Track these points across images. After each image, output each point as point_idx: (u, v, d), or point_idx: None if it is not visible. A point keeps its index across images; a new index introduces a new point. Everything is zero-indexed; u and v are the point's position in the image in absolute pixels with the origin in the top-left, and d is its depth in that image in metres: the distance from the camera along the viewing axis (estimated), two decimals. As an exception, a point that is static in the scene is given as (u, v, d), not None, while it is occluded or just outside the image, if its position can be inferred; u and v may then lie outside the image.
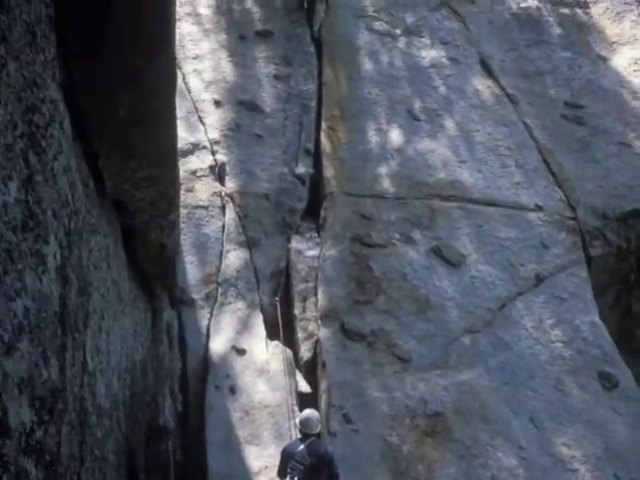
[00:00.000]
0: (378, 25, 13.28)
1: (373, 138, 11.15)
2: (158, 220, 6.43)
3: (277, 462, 6.66)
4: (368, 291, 9.12)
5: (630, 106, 12.10)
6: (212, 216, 9.82)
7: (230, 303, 8.99)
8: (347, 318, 8.79)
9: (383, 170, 10.67)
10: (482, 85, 12.33)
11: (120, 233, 5.96)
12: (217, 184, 10.22)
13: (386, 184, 10.48)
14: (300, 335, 8.81)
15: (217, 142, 10.74)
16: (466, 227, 10.04)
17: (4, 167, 2.23)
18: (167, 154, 5.42)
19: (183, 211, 8.84)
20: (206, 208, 9.86)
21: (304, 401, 8.07)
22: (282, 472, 6.56)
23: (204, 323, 8.75)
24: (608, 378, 8.57)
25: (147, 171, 5.18)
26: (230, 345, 8.52)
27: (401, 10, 13.65)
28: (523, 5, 14.08)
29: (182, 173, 8.47)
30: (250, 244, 9.66)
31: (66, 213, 2.98)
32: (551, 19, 13.83)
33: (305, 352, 8.67)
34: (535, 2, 14.16)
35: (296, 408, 7.92)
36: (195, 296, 8.95)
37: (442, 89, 12.15)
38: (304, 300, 9.06)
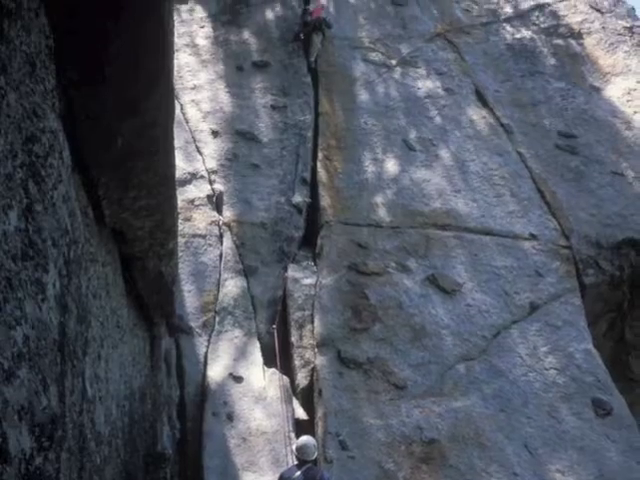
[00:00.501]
0: (374, 56, 13.73)
1: (369, 168, 11.52)
2: (156, 249, 6.52)
3: (274, 488, 6.91)
4: (364, 319, 9.41)
5: (623, 136, 12.50)
6: (210, 245, 10.13)
7: (227, 331, 9.27)
8: (343, 346, 9.07)
9: (379, 199, 11.02)
10: (477, 115, 12.74)
11: (119, 262, 6.07)
12: (215, 213, 10.55)
13: (382, 213, 10.82)
14: (297, 363, 9.06)
15: (215, 172, 11.09)
16: (461, 256, 10.36)
17: (4, 196, 2.28)
18: (165, 184, 5.47)
19: (181, 240, 9.12)
20: (204, 237, 10.18)
21: (301, 428, 8.31)
22: (279, 498, 6.80)
23: (202, 351, 9.01)
24: (602, 405, 8.83)
25: (146, 200, 5.24)
26: (227, 372, 8.77)
27: (397, 41, 14.11)
28: (517, 36, 14.57)
29: (180, 202, 8.69)
30: (247, 272, 9.96)
31: (65, 242, 3.03)
32: (545, 50, 14.29)
33: (302, 379, 8.92)
34: (529, 33, 14.65)
35: (293, 435, 8.16)
36: (193, 324, 9.23)
37: (437, 119, 12.55)
38: (301, 328, 9.34)
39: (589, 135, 12.50)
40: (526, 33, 14.64)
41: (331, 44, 13.82)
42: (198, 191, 10.70)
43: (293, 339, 9.29)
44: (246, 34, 13.80)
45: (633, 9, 15.70)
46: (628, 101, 13.18)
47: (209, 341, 9.13)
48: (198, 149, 11.39)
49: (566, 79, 13.66)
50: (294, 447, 7.16)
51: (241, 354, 9.04)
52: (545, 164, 11.90)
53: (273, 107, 12.36)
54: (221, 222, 10.46)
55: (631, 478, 8.20)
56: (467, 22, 14.87)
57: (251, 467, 7.93)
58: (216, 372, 8.78)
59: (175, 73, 9.27)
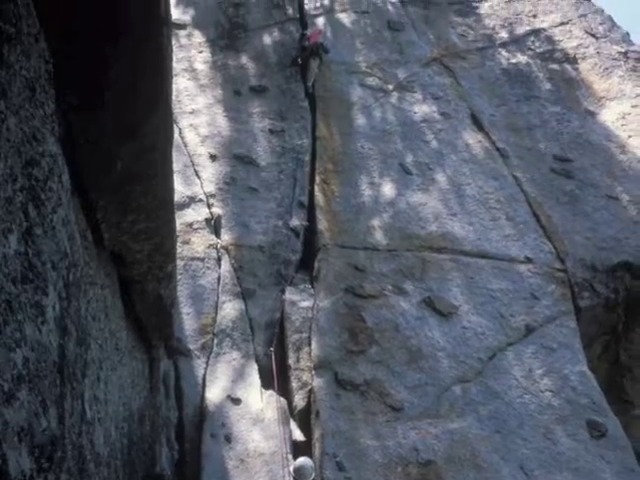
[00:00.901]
0: (371, 81, 14.11)
1: (366, 191, 11.84)
2: (155, 272, 6.58)
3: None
4: (361, 341, 9.66)
5: (618, 160, 12.85)
6: (208, 268, 10.39)
7: (225, 353, 9.50)
8: (340, 368, 9.31)
9: (376, 223, 11.32)
10: (473, 139, 13.09)
11: (118, 285, 6.13)
12: (213, 236, 10.82)
13: (379, 236, 11.12)
14: (294, 384, 9.28)
15: (213, 195, 11.39)
16: (457, 279, 10.65)
17: (4, 220, 2.32)
18: (164, 207, 5.49)
19: (180, 263, 9.37)
20: (202, 260, 10.45)
21: (298, 449, 8.50)
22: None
23: (200, 373, 9.23)
24: (596, 427, 9.07)
25: (145, 224, 5.28)
26: (225, 394, 8.99)
27: (393, 66, 14.51)
28: (513, 61, 14.98)
29: (179, 226, 8.99)
30: (245, 295, 10.22)
31: (65, 265, 3.06)
32: (541, 75, 14.71)
33: (299, 401, 9.14)
34: (525, 58, 15.07)
35: (290, 456, 8.32)
36: (191, 346, 9.45)
37: (434, 143, 12.90)
38: (298, 350, 9.58)
39: (584, 159, 12.85)
40: (522, 58, 15.06)
41: (328, 69, 14.21)
42: (196, 214, 10.99)
43: (290, 361, 9.52)
44: (244, 59, 14.19)
45: (628, 34, 16.16)
46: (622, 125, 13.56)
47: (207, 363, 9.34)
48: (196, 173, 11.70)
49: (561, 103, 14.05)
50: (292, 468, 7.37)
51: (239, 376, 9.26)
52: (540, 188, 12.23)
53: (271, 131, 12.70)
54: (219, 245, 10.72)
55: (626, 499, 8.44)
56: (463, 47, 15.29)
57: (249, 488, 8.14)
58: (214, 394, 8.99)
59: (174, 97, 9.57)
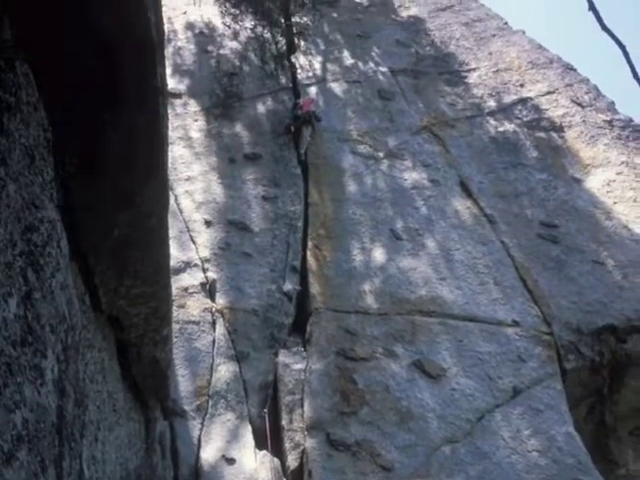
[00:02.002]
0: (362, 148, 15.00)
1: (357, 256, 12.59)
2: (151, 335, 6.80)
3: None
4: (352, 403, 10.26)
5: (603, 226, 13.66)
6: (203, 331, 11.06)
7: (220, 414, 10.08)
8: (332, 429, 9.88)
9: (367, 287, 12.03)
10: (462, 206, 13.93)
11: (115, 347, 6.33)
12: (208, 300, 11.49)
13: (370, 300, 11.83)
14: (287, 445, 9.81)
15: (208, 260, 12.10)
16: (446, 342, 11.33)
17: (4, 284, 2.41)
18: (160, 272, 5.64)
19: (175, 326, 9.92)
20: (197, 323, 11.11)
21: (291, 508, 9.10)
22: None
23: (195, 433, 9.78)
24: (582, 486, 9.68)
25: (141, 288, 5.43)
26: (220, 454, 9.52)
27: (384, 134, 15.44)
28: (501, 129, 15.95)
29: (174, 290, 9.51)
30: (239, 358, 10.85)
31: (63, 328, 3.13)
32: (528, 142, 15.63)
33: (292, 461, 9.65)
34: (512, 126, 16.02)
35: (283, 515, 8.94)
36: (187, 407, 10.02)
37: (423, 209, 13.73)
38: (291, 411, 10.16)
39: (570, 225, 13.64)
40: (509, 126, 16.00)
41: (320, 137, 15.09)
42: (192, 279, 11.69)
43: (284, 422, 10.06)
44: (238, 127, 15.11)
45: (613, 103, 17.20)
46: (608, 192, 14.36)
47: (202, 424, 9.90)
48: (192, 238, 12.43)
49: (548, 171, 14.89)
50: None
51: (233, 437, 9.84)
52: (527, 253, 13.01)
53: (264, 198, 13.49)
54: (214, 309, 11.37)
55: None
56: (452, 116, 16.25)
57: None
58: (209, 454, 9.53)
59: (170, 165, 10.24)
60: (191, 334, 10.93)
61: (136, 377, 7.31)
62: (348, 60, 17.67)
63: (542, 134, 15.87)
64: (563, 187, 14.52)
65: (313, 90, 16.61)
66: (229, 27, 17.51)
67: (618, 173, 14.79)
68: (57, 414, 2.87)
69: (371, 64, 17.57)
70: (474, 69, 17.77)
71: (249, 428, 10.02)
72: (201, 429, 9.88)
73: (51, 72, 3.16)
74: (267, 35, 17.11)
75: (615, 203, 14.13)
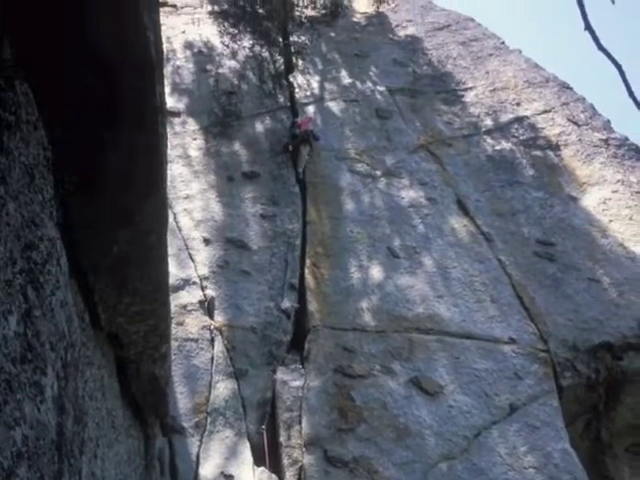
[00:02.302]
0: (359, 167, 15.21)
1: (355, 274, 12.78)
2: (150, 352, 6.80)
3: None
4: (350, 420, 10.42)
5: (599, 244, 13.89)
6: (201, 348, 11.21)
7: (219, 431, 10.22)
8: (330, 445, 10.04)
9: (364, 305, 12.21)
10: (458, 224, 14.14)
11: (114, 365, 6.36)
12: (206, 318, 11.63)
13: (367, 318, 12.00)
14: (285, 461, 9.96)
15: (206, 278, 12.26)
16: (443, 359, 11.51)
17: (4, 302, 2.43)
18: (159, 290, 5.66)
19: (174, 343, 10.08)
20: (196, 341, 11.25)
21: (289, 524, 9.24)
22: None
23: (194, 450, 9.92)
24: (578, 502, 9.84)
25: (140, 306, 5.45)
26: (219, 471, 9.66)
27: (381, 152, 15.65)
28: (497, 148, 16.19)
29: (173, 307, 9.58)
30: (238, 375, 10.99)
31: (63, 346, 3.16)
32: (524, 161, 15.86)
33: (290, 478, 9.79)
34: (509, 145, 16.26)
35: (281, 531, 9.08)
36: (185, 424, 10.16)
37: (420, 228, 13.93)
38: (289, 428, 10.32)
39: (566, 243, 13.86)
40: (506, 145, 16.24)
41: (318, 155, 15.28)
42: (190, 297, 11.84)
43: (282, 439, 10.20)
44: (237, 146, 15.31)
45: (609, 122, 17.47)
46: (604, 210, 14.58)
47: (201, 441, 10.02)
48: (190, 256, 12.59)
49: (544, 189, 15.11)
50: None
51: (232, 453, 9.98)
52: (524, 271, 13.22)
53: (263, 216, 13.67)
54: (212, 326, 11.50)
55: None
56: (449, 134, 16.48)
57: None
58: (208, 471, 9.66)
59: (169, 183, 10.30)
60: (190, 351, 11.09)
61: (135, 394, 7.36)
62: (346, 79, 17.92)
63: (538, 152, 16.09)
64: (559, 205, 14.73)
65: (311, 109, 16.84)
66: (227, 46, 17.76)
67: (614, 191, 15.02)
68: (57, 431, 2.91)
69: (369, 83, 17.84)
70: (471, 88, 18.03)
71: (247, 445, 10.16)
72: (200, 446, 10.01)
73: (51, 91, 3.19)
74: (265, 54, 17.35)
75: (611, 221, 14.35)
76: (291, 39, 17.84)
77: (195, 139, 15.32)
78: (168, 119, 13.79)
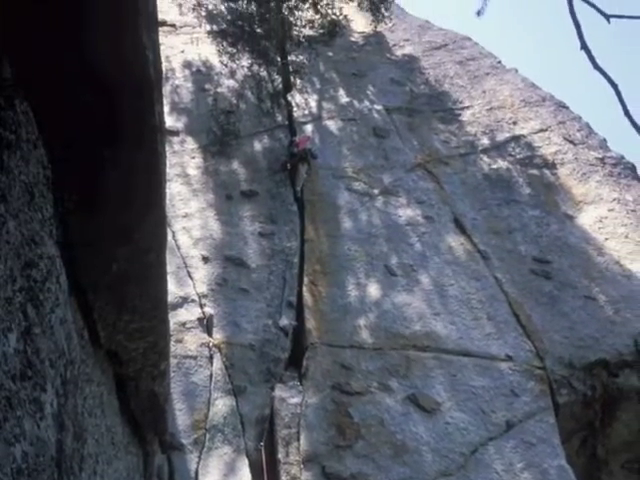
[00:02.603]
0: (357, 185, 15.40)
1: (352, 292, 12.95)
2: (149, 369, 6.83)
3: None
4: (348, 436, 10.58)
5: (595, 262, 14.08)
6: (200, 365, 11.35)
7: (217, 448, 10.35)
8: (328, 462, 10.19)
9: (362, 322, 12.37)
10: (455, 242, 14.34)
11: (113, 381, 6.39)
12: (205, 335, 11.78)
13: (365, 335, 12.17)
14: (284, 478, 10.09)
15: (205, 296, 12.42)
16: (440, 376, 11.67)
17: (4, 319, 2.45)
18: (158, 307, 5.68)
19: (173, 361, 10.20)
20: (195, 358, 11.40)
21: (287, 540, 9.38)
22: None
23: (193, 467, 10.05)
24: (574, 519, 9.99)
25: (139, 323, 5.47)
26: (217, 487, 9.88)
27: (379, 171, 15.84)
28: (494, 166, 16.40)
29: (172, 325, 9.69)
30: (236, 392, 11.12)
31: (63, 363, 3.19)
32: (521, 179, 16.07)
33: (288, 494, 10.03)
34: (505, 163, 16.46)
35: None
36: (184, 441, 10.29)
37: (417, 246, 14.12)
38: (287, 445, 10.47)
39: (563, 261, 14.05)
40: (502, 163, 16.43)
41: (316, 174, 15.46)
42: (189, 314, 11.98)
43: (280, 455, 10.35)
44: (235, 164, 15.49)
45: (605, 140, 17.73)
46: (600, 228, 14.79)
47: (200, 457, 10.15)
48: (189, 274, 12.75)
49: (541, 207, 15.31)
50: None
51: (230, 470, 10.11)
52: (520, 288, 13.40)
53: (261, 234, 13.83)
54: (211, 344, 11.64)
55: None
56: (446, 153, 16.68)
57: None
58: (206, 487, 9.88)
59: (168, 201, 10.47)
60: (188, 368, 11.23)
61: (134, 411, 7.41)
62: (343, 98, 18.14)
63: (535, 171, 16.29)
64: (556, 223, 14.92)
65: (309, 128, 17.04)
66: (226, 66, 17.94)
67: (610, 210, 15.22)
68: (56, 448, 2.96)
69: (366, 102, 18.07)
70: (468, 107, 18.27)
71: (246, 461, 10.28)
72: (198, 462, 10.13)
73: (50, 110, 3.22)
74: (263, 73, 17.54)
75: (607, 239, 14.55)
76: (289, 58, 18.01)
77: (194, 158, 15.49)
78: (167, 138, 13.95)
